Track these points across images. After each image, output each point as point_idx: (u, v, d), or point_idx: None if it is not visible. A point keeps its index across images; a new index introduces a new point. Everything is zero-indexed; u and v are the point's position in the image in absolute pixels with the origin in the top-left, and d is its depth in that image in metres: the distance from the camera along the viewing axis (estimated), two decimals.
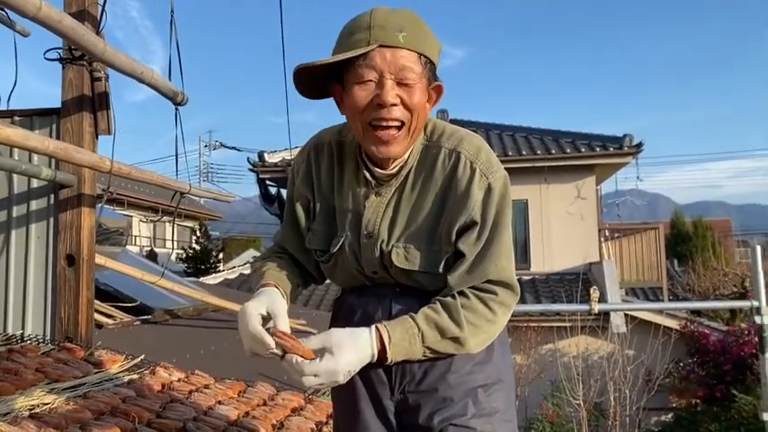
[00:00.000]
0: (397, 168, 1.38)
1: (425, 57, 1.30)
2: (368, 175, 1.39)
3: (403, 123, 1.30)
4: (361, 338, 1.24)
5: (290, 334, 1.24)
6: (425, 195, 1.37)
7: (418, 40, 1.29)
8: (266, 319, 1.28)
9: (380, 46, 1.26)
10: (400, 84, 1.27)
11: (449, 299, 1.33)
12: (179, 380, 2.68)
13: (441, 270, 1.36)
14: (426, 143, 1.40)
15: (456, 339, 1.31)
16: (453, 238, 1.35)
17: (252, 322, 1.26)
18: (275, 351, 1.23)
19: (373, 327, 1.27)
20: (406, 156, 1.37)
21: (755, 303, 5.85)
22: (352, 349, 1.22)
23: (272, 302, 1.30)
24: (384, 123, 1.29)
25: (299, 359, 1.20)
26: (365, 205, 1.40)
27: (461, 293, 1.33)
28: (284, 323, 1.27)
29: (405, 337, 1.27)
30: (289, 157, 12.20)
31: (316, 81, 1.35)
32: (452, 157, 1.36)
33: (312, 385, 1.22)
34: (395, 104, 1.27)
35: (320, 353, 1.21)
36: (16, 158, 3.00)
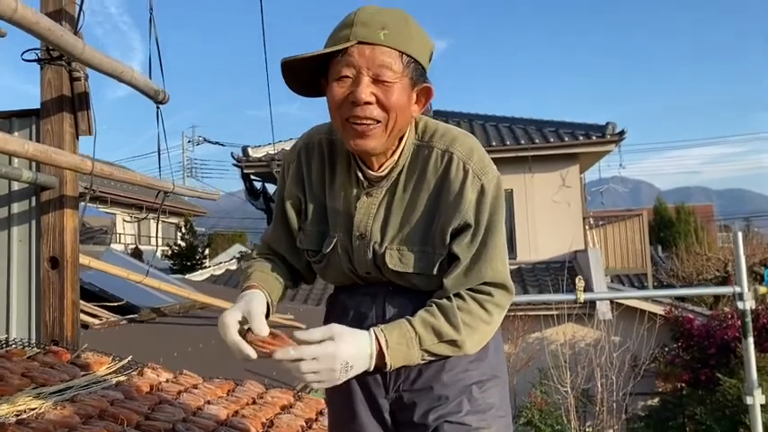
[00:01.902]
0: (387, 169, 1.37)
1: (408, 56, 1.28)
2: (360, 175, 1.38)
3: (379, 121, 1.28)
4: (361, 336, 1.25)
5: (268, 337, 1.23)
6: (418, 196, 1.37)
7: (401, 38, 1.27)
8: (245, 323, 1.28)
9: (360, 43, 1.25)
10: (377, 82, 1.26)
11: (444, 301, 1.33)
12: (167, 380, 2.67)
13: (435, 272, 1.36)
14: (418, 143, 1.38)
15: (453, 342, 1.31)
16: (447, 240, 1.34)
17: (229, 333, 1.25)
18: (261, 353, 1.23)
19: (370, 330, 1.26)
20: (396, 157, 1.36)
21: (738, 289, 5.93)
22: (352, 342, 1.22)
23: (247, 305, 1.30)
24: (358, 121, 1.28)
25: (300, 339, 1.19)
26: (356, 206, 1.39)
27: (457, 295, 1.33)
28: (259, 325, 1.25)
29: (402, 341, 1.27)
30: (272, 152, 12.15)
31: (305, 77, 1.34)
32: (445, 157, 1.35)
33: (308, 372, 1.18)
34: (369, 102, 1.26)
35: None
36: None
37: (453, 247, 1.34)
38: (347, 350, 1.21)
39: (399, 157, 1.36)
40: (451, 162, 1.34)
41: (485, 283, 1.34)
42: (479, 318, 1.33)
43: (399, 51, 1.26)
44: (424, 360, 1.32)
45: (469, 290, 1.34)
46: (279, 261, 1.52)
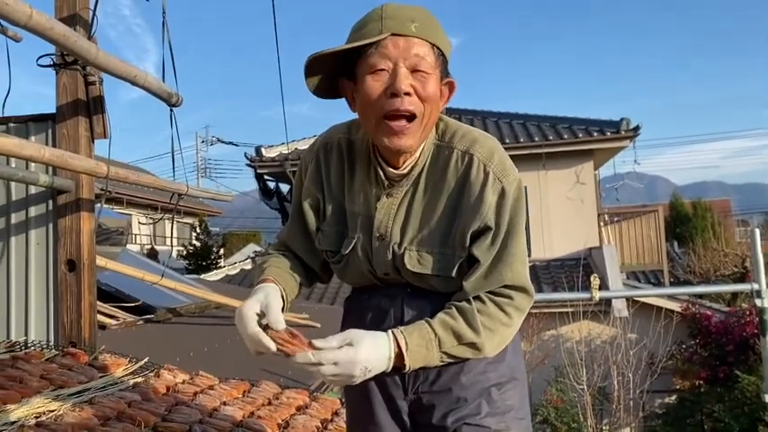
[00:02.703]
0: (408, 168, 1.36)
1: (438, 48, 1.29)
2: (381, 174, 1.38)
3: (415, 116, 1.27)
4: (380, 339, 1.25)
5: (287, 333, 1.23)
6: (438, 198, 1.36)
7: (431, 30, 1.28)
8: (262, 316, 1.27)
9: (393, 35, 1.25)
10: (414, 73, 1.26)
11: (464, 303, 1.32)
12: (183, 381, 2.69)
13: (454, 274, 1.35)
14: (438, 143, 1.37)
15: (473, 345, 1.31)
16: (467, 242, 1.34)
17: (249, 325, 1.25)
18: (280, 350, 1.23)
19: (390, 332, 1.26)
20: (417, 154, 1.35)
21: (756, 286, 5.87)
22: (371, 345, 1.23)
23: (265, 298, 1.29)
24: (397, 116, 1.27)
25: (319, 347, 1.19)
26: (376, 207, 1.38)
27: (477, 298, 1.33)
28: (277, 318, 1.26)
29: (422, 342, 1.27)
30: (286, 152, 12.18)
31: (325, 79, 1.34)
32: (465, 159, 1.34)
33: (328, 375, 1.20)
34: (408, 93, 1.25)
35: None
36: (13, 166, 3.00)
37: (473, 249, 1.33)
38: (367, 354, 1.21)
39: (420, 155, 1.36)
40: (472, 164, 1.33)
41: (504, 286, 1.33)
42: (499, 321, 1.33)
43: (431, 43, 1.27)
44: (443, 362, 1.32)
45: (489, 292, 1.33)
46: (294, 259, 1.52)
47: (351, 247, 1.42)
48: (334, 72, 1.33)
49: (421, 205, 1.37)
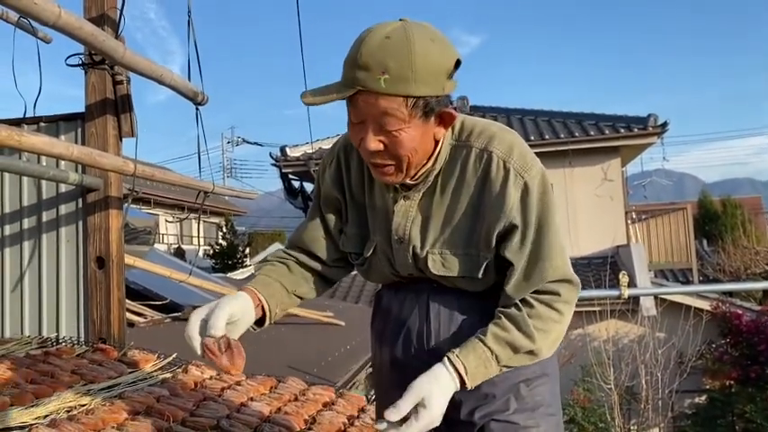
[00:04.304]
0: (423, 177, 1.34)
1: (413, 97, 1.19)
2: None
3: (394, 163, 1.27)
4: (443, 380, 1.25)
5: (224, 342, 1.26)
6: (458, 198, 1.33)
7: (403, 80, 1.17)
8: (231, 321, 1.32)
9: (361, 91, 1.20)
10: (383, 130, 1.23)
11: (513, 311, 1.29)
12: (211, 377, 2.71)
13: (480, 275, 1.33)
14: (455, 143, 1.34)
15: (530, 352, 1.30)
16: (493, 242, 1.31)
17: (188, 327, 1.30)
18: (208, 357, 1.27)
19: (446, 361, 1.26)
20: (430, 164, 1.32)
21: None
22: (440, 395, 1.23)
23: (217, 305, 1.31)
24: (373, 165, 1.29)
25: (393, 421, 1.20)
26: (394, 210, 1.37)
27: (524, 302, 1.30)
28: (213, 323, 1.27)
29: (479, 363, 1.26)
30: (310, 151, 12.23)
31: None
32: (484, 157, 1.31)
33: None
34: (377, 151, 1.25)
35: (413, 410, 1.21)
36: (44, 164, 3.05)
37: (504, 252, 1.31)
38: (440, 404, 1.23)
39: (435, 161, 1.33)
40: (491, 161, 1.30)
41: (548, 283, 1.30)
42: (551, 320, 1.30)
43: (403, 96, 1.19)
44: (503, 372, 1.31)
45: (534, 293, 1.30)
46: (297, 266, 1.49)
47: (372, 250, 1.42)
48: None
49: (441, 207, 1.35)
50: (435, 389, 1.23)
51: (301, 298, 1.50)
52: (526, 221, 1.29)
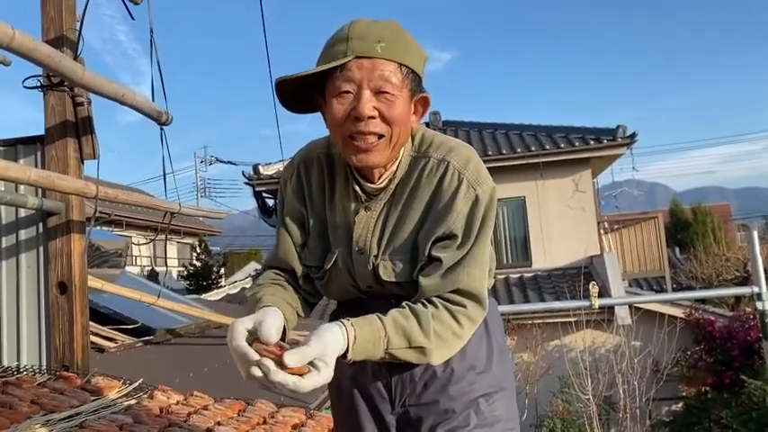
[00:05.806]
0: (386, 182, 1.35)
1: (406, 67, 1.26)
2: (357, 189, 1.36)
3: (382, 135, 1.26)
4: (340, 342, 1.19)
5: (276, 347, 1.16)
6: (412, 206, 1.35)
7: (398, 49, 1.25)
8: (254, 333, 1.19)
9: (358, 57, 1.23)
10: (378, 95, 1.24)
11: (419, 306, 1.29)
12: (177, 402, 2.65)
13: (416, 277, 1.33)
14: (415, 154, 1.36)
15: (421, 350, 1.27)
16: (429, 245, 1.32)
17: (236, 337, 1.17)
18: (264, 364, 1.15)
19: (341, 323, 1.21)
20: (394, 168, 1.34)
21: (756, 289, 5.83)
22: (335, 357, 1.17)
23: (261, 315, 1.22)
24: (362, 137, 1.26)
25: (296, 380, 1.13)
26: (355, 221, 1.37)
27: (431, 302, 1.30)
28: (267, 331, 1.17)
29: (370, 339, 1.22)
30: (283, 169, 12.18)
31: (302, 95, 1.32)
32: (441, 167, 1.33)
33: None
34: (372, 117, 1.24)
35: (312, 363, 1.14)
36: (2, 189, 2.98)
37: (436, 251, 1.31)
38: (333, 366, 1.16)
39: (397, 168, 1.35)
40: (447, 171, 1.32)
41: (459, 292, 1.30)
42: (450, 329, 1.29)
43: (398, 63, 1.25)
44: (383, 360, 1.27)
45: (443, 299, 1.30)
46: (288, 285, 1.45)
47: (332, 262, 1.40)
48: (309, 88, 1.31)
49: (396, 216, 1.36)
50: (334, 349, 1.17)
51: (299, 316, 1.46)
52: (467, 231, 1.31)
